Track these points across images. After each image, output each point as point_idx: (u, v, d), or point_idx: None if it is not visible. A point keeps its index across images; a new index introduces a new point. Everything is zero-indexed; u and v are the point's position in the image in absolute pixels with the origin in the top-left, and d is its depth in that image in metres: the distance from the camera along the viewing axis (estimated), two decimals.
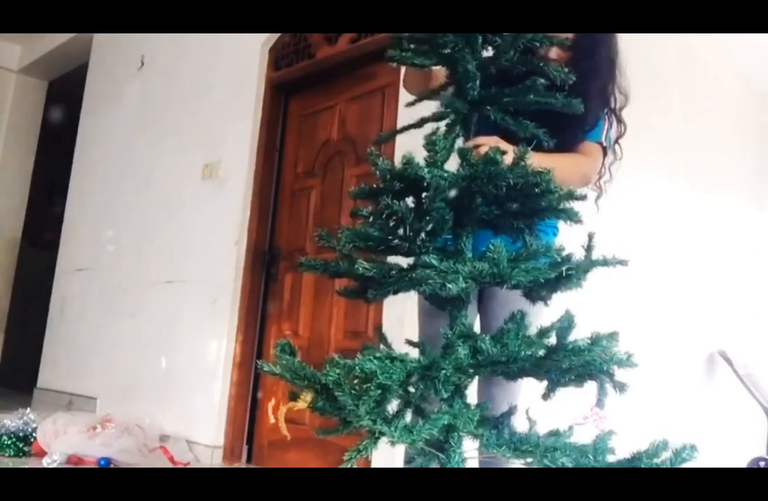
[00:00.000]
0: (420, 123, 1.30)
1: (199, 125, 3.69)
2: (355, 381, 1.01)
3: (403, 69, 1.67)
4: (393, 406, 1.08)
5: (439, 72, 1.52)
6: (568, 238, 1.20)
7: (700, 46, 3.74)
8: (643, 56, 3.18)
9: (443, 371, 1.04)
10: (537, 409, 1.21)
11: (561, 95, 1.23)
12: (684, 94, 3.61)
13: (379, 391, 0.99)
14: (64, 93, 5.23)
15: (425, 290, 1.07)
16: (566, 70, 1.23)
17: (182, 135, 3.80)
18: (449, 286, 1.04)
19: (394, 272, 1.13)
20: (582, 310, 1.22)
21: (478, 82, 1.25)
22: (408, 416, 1.10)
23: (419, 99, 1.45)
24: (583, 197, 1.16)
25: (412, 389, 1.10)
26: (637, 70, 3.08)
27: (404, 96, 1.90)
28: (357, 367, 0.99)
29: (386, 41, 1.32)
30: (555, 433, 1.12)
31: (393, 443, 1.03)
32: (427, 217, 1.09)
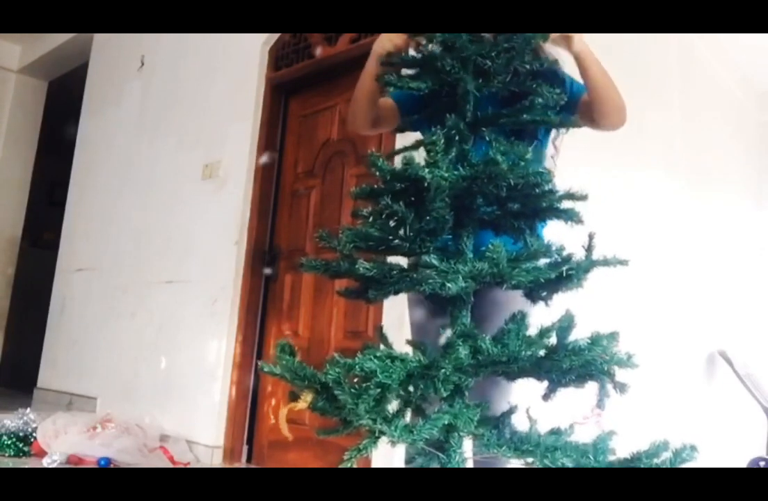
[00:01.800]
0: (415, 145, 1.30)
1: (199, 125, 3.69)
2: (355, 380, 1.01)
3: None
4: (393, 405, 1.08)
5: (384, 102, 1.54)
6: (568, 238, 1.20)
7: (700, 45, 3.75)
8: (642, 56, 3.19)
9: (443, 370, 1.04)
10: (538, 408, 1.21)
11: (555, 113, 1.23)
12: (683, 93, 3.62)
13: (378, 390, 0.99)
14: (64, 93, 5.23)
15: (425, 290, 1.07)
16: (558, 91, 1.23)
17: (182, 135, 3.79)
18: (449, 285, 1.04)
19: (394, 272, 1.13)
20: (582, 309, 1.23)
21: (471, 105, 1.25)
22: (408, 416, 1.10)
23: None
24: (584, 197, 1.16)
25: (412, 389, 1.10)
26: (637, 70, 3.10)
27: None
28: (357, 366, 1.00)
29: None
30: (556, 432, 1.12)
31: (393, 443, 1.04)
32: (428, 218, 1.09)
